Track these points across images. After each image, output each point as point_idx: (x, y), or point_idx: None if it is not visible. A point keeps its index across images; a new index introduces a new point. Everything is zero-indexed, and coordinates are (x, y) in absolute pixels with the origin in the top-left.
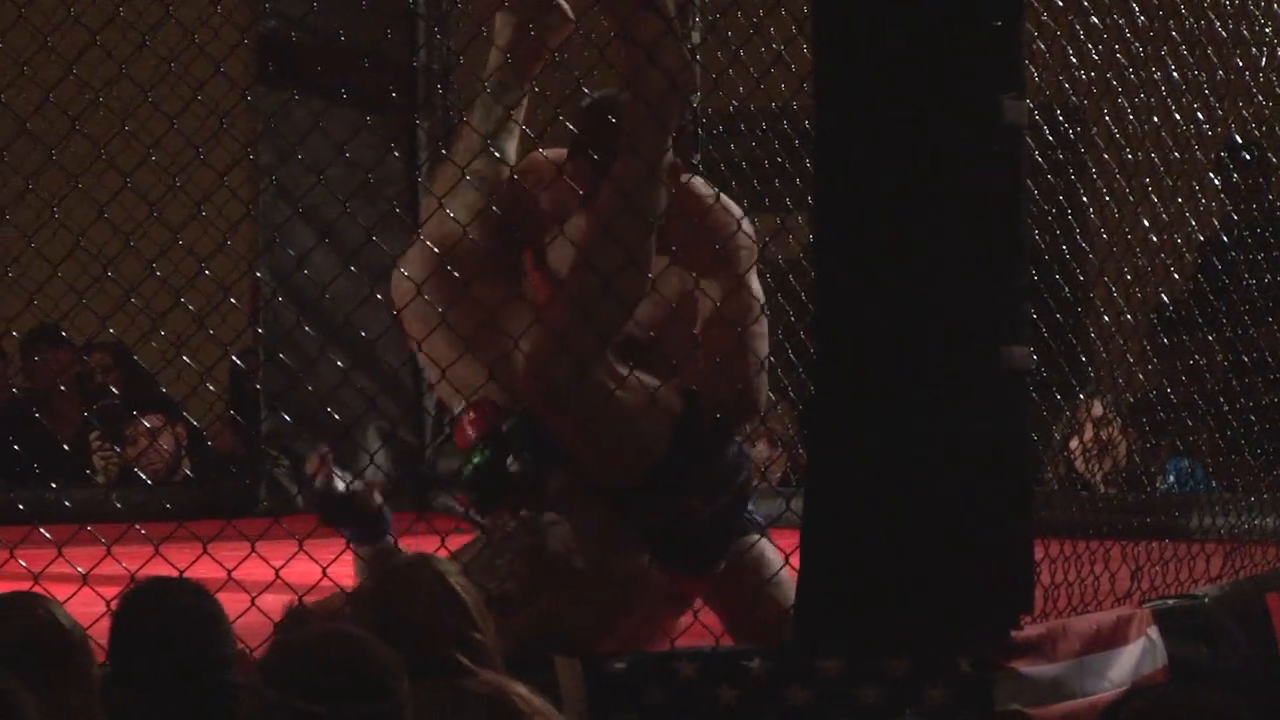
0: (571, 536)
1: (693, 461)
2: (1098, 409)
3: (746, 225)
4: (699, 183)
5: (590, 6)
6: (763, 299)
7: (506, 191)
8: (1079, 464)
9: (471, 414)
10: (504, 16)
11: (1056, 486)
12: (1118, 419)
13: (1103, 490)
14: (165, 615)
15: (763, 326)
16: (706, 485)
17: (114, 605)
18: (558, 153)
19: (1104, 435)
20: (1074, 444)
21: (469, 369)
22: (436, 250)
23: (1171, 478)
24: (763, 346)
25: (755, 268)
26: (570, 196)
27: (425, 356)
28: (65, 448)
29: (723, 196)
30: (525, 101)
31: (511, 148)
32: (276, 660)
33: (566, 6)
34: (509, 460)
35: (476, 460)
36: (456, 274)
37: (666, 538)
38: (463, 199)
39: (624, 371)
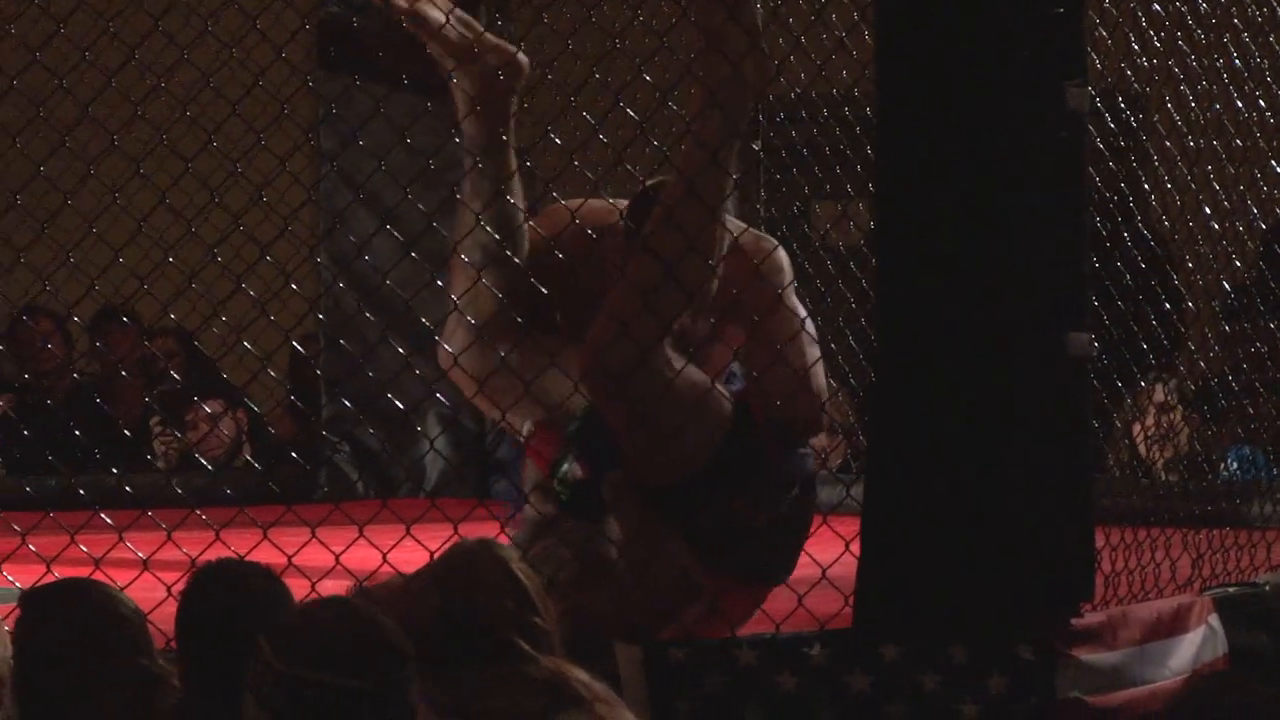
0: (620, 537)
1: (742, 460)
2: (1159, 394)
3: (781, 253)
4: (730, 220)
5: None
6: (804, 318)
7: (535, 260)
8: (1141, 450)
9: (535, 441)
10: (461, 79)
11: (1118, 473)
12: (1180, 405)
13: (1164, 477)
14: (234, 598)
15: (807, 343)
16: (758, 488)
17: (176, 589)
18: (589, 210)
19: (1166, 422)
20: (1136, 430)
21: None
22: (474, 322)
23: (1233, 465)
24: (807, 359)
25: (793, 289)
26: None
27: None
28: (126, 433)
29: (751, 229)
30: (514, 158)
31: (519, 216)
32: (283, 630)
33: (523, 58)
34: (569, 464)
35: (564, 478)
36: (496, 347)
37: (725, 544)
38: (483, 274)
39: (680, 364)
